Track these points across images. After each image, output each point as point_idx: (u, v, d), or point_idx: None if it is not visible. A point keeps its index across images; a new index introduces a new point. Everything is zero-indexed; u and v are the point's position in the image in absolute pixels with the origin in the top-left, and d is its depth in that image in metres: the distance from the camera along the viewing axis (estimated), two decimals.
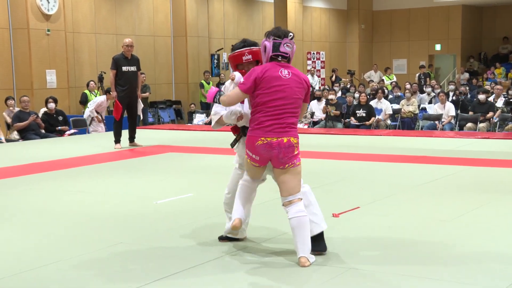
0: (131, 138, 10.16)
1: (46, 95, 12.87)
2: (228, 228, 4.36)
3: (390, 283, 3.74)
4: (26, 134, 11.77)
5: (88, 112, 12.73)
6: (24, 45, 13.45)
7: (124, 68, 9.75)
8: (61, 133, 12.36)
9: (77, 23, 15.00)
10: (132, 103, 9.96)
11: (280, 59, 4.17)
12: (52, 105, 12.39)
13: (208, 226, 5.13)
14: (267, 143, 4.02)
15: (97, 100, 12.82)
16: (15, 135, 11.84)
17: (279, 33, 4.19)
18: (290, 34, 4.20)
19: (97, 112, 12.72)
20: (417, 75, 20.01)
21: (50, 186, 7.04)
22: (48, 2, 13.66)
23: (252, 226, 4.76)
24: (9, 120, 11.98)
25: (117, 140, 10.00)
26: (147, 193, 6.46)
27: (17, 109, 12.04)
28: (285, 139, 4.05)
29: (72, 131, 12.65)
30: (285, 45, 4.16)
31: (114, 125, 10.05)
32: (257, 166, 4.17)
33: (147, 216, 5.50)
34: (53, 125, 12.38)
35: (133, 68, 9.85)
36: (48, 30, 13.70)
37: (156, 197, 6.19)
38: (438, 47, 23.66)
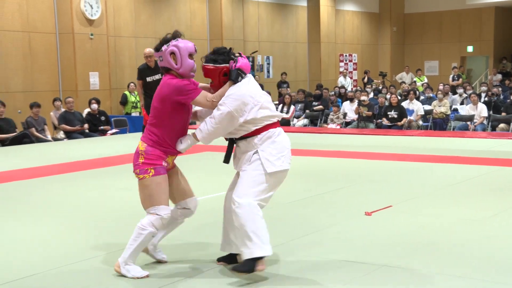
0: None
1: (89, 97, 13.11)
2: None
3: (421, 281, 3.70)
4: (71, 133, 12.01)
5: None
6: (69, 49, 13.70)
7: (148, 79, 9.47)
8: (103, 133, 12.56)
9: (118, 28, 15.21)
10: None
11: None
12: (95, 106, 12.60)
13: None
14: None
15: None
16: (61, 134, 12.09)
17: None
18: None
19: None
20: (451, 76, 19.74)
21: (93, 183, 7.16)
22: (92, 8, 13.89)
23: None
24: (55, 120, 12.23)
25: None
26: None
27: (63, 109, 12.28)
28: (139, 143, 3.88)
29: (114, 130, 12.83)
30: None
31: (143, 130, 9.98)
32: None
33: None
34: (96, 125, 12.59)
35: (157, 76, 9.42)
36: (92, 35, 13.93)
37: (196, 195, 6.22)
38: (470, 48, 23.27)
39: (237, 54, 3.88)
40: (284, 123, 14.60)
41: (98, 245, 4.57)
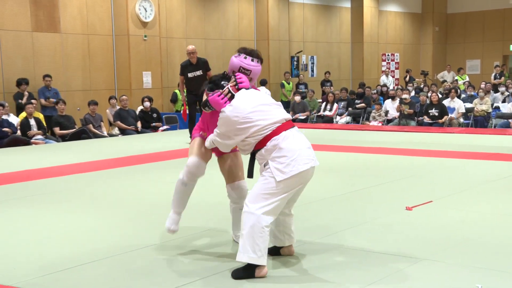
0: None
1: (142, 95, 13.34)
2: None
3: (461, 275, 3.62)
4: (125, 129, 12.24)
5: None
6: (125, 50, 13.97)
7: (190, 75, 9.59)
8: (155, 129, 12.75)
9: (170, 29, 15.40)
10: (194, 104, 9.71)
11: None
12: (147, 103, 12.81)
13: None
14: None
15: None
16: (116, 130, 12.34)
17: None
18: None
19: None
20: (493, 74, 19.22)
21: (144, 177, 7.27)
22: (146, 11, 14.11)
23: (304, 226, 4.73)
24: (111, 117, 12.50)
25: (191, 136, 10.10)
26: None
27: (118, 107, 12.53)
28: None
29: (165, 127, 13.02)
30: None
31: (188, 124, 10.02)
32: None
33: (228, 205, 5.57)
34: (148, 121, 12.80)
35: (198, 73, 9.60)
36: (145, 36, 14.15)
37: None
38: None
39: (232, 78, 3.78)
40: (327, 120, 14.52)
41: (152, 235, 4.64)
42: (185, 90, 9.98)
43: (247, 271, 3.58)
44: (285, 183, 3.57)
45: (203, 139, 4.04)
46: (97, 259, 4.02)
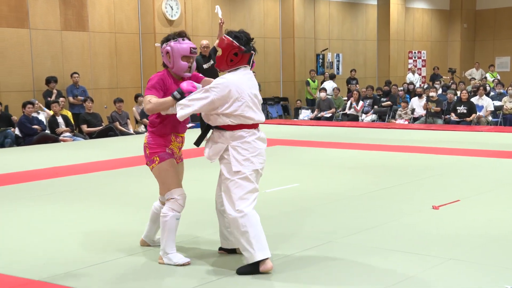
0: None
1: None
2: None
3: (489, 275, 3.56)
4: None
5: None
6: (151, 48, 14.06)
7: (205, 66, 9.88)
8: None
9: (196, 27, 15.46)
10: None
11: None
12: None
13: (310, 213, 5.12)
14: None
15: None
16: (142, 128, 12.44)
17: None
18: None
19: None
20: None
21: None
22: (172, 9, 14.19)
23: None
24: (137, 115, 12.61)
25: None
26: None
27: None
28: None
29: (190, 125, 13.05)
30: None
31: (200, 123, 10.09)
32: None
33: (257, 203, 5.57)
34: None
35: (211, 62, 9.94)
36: None
37: (265, 187, 6.26)
38: None
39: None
40: (353, 118, 14.42)
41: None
42: None
43: (251, 267, 3.61)
44: (243, 173, 3.61)
45: (172, 156, 3.88)
46: (120, 257, 4.06)
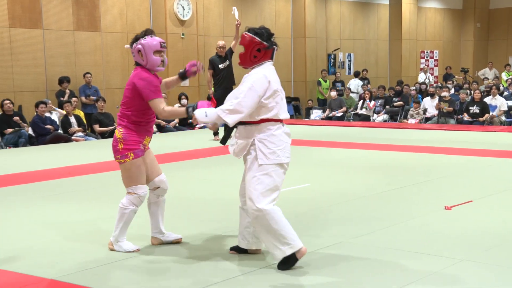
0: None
1: (179, 93, 13.46)
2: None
3: (502, 276, 3.54)
4: (162, 127, 12.37)
5: None
6: None
7: (221, 66, 10.00)
8: (192, 126, 12.85)
9: (207, 28, 15.49)
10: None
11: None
12: (184, 101, 12.92)
13: (321, 214, 5.11)
14: None
15: None
16: (153, 128, 12.48)
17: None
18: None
19: None
20: None
21: (183, 175, 7.33)
22: (184, 9, 14.23)
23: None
24: None
25: (215, 133, 10.23)
26: None
27: None
28: (116, 131, 4.09)
29: (202, 124, 13.08)
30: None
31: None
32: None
33: None
34: (186, 118, 12.90)
35: (227, 63, 10.07)
36: (183, 34, 14.27)
37: None
38: None
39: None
40: (364, 118, 14.37)
41: (189, 228, 4.68)
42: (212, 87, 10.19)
43: (289, 259, 3.64)
44: (271, 168, 3.64)
45: (144, 153, 4.08)
46: (134, 255, 4.07)
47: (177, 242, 4.26)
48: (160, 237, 4.25)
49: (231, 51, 10.22)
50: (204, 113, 3.73)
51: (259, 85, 3.65)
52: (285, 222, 3.65)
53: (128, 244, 4.09)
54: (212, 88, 10.18)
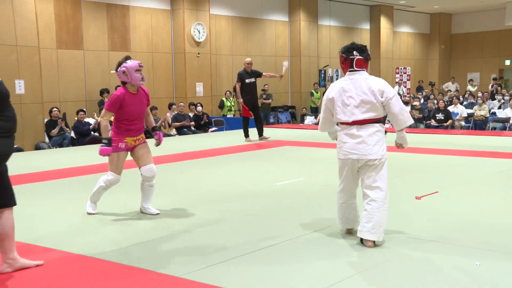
0: (260, 133, 10.24)
1: (195, 102, 13.44)
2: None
3: (465, 253, 3.52)
4: (181, 130, 12.36)
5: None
6: (181, 65, 14.11)
7: (247, 80, 9.81)
8: (206, 130, 12.84)
9: (219, 47, 15.48)
10: (254, 107, 9.98)
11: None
12: (200, 108, 12.90)
13: (315, 203, 5.10)
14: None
15: None
16: (173, 131, 12.47)
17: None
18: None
19: None
20: (490, 85, 18.66)
21: (197, 171, 7.32)
22: (199, 32, 14.23)
23: None
24: (170, 119, 12.63)
25: (246, 135, 10.15)
26: (268, 177, 6.53)
27: (175, 112, 12.66)
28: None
29: (214, 128, 13.09)
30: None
31: (243, 124, 10.14)
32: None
33: (268, 194, 5.57)
34: (200, 123, 12.88)
35: (253, 80, 9.86)
36: (198, 54, 14.26)
37: (275, 180, 6.25)
38: (507, 62, 21.89)
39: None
40: None
41: (198, 218, 4.66)
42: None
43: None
44: (338, 162, 3.84)
45: (124, 150, 4.51)
46: (160, 236, 4.06)
47: (157, 214, 4.60)
48: (142, 208, 4.71)
49: (259, 75, 10.02)
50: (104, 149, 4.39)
51: (325, 97, 3.95)
52: (342, 209, 3.93)
53: (89, 207, 4.67)
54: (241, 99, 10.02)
